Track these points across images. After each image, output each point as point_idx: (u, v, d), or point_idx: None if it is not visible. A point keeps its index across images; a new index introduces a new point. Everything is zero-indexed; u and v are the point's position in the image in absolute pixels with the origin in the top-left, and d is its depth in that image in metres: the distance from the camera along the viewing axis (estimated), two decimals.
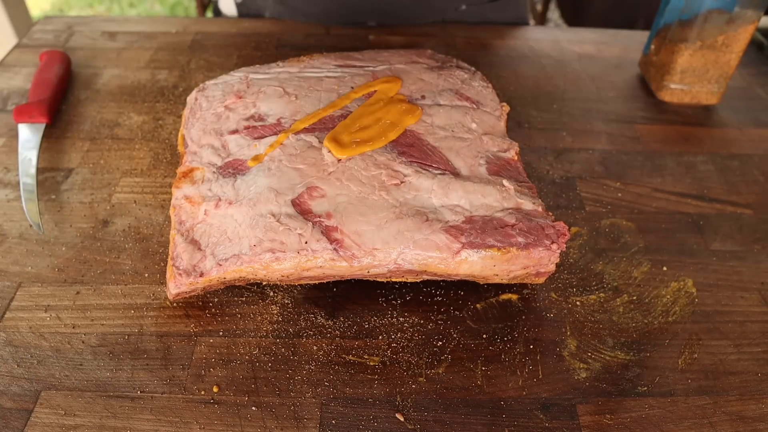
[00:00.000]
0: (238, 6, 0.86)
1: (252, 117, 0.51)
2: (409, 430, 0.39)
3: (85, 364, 0.42)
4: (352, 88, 0.55)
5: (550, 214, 0.45)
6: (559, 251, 0.43)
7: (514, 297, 0.48)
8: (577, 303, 0.48)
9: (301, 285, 0.47)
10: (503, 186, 0.46)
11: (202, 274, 0.42)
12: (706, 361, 0.44)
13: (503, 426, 0.40)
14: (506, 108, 0.54)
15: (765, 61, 0.79)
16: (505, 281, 0.45)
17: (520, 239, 0.43)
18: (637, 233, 0.54)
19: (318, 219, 0.43)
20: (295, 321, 0.45)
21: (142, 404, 0.40)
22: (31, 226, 0.51)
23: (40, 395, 0.40)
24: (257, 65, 0.59)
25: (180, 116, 0.64)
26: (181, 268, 0.43)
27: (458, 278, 0.44)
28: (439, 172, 0.47)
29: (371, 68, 0.58)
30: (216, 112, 0.53)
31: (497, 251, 0.42)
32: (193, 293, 0.44)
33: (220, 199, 0.45)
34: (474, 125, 0.52)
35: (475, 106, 0.54)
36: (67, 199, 0.54)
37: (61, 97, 0.65)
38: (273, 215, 0.43)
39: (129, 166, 0.57)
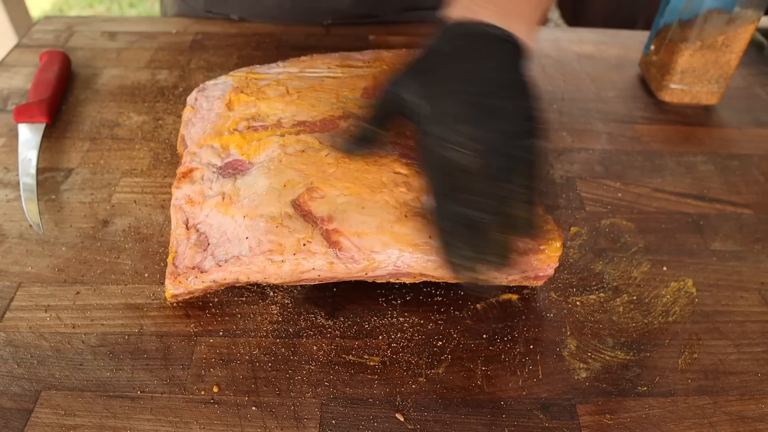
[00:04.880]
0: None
1: (252, 117, 0.51)
2: (409, 430, 0.39)
3: (85, 364, 0.42)
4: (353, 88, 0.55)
5: (549, 217, 0.45)
6: (558, 254, 0.43)
7: (514, 297, 0.48)
8: (577, 303, 0.48)
9: (301, 285, 0.47)
10: None
11: (201, 275, 0.42)
12: (706, 361, 0.44)
13: (503, 426, 0.40)
14: None
15: (765, 61, 0.79)
16: (504, 283, 0.45)
17: (519, 244, 0.42)
18: (637, 233, 0.54)
19: (318, 220, 0.43)
20: (295, 321, 0.45)
21: (142, 404, 0.40)
22: (31, 226, 0.51)
23: (40, 395, 0.40)
24: (257, 65, 0.59)
25: (180, 116, 0.64)
26: (180, 268, 0.43)
27: (458, 281, 0.44)
28: None
29: (372, 68, 0.58)
30: (216, 112, 0.53)
31: None
32: (192, 294, 0.44)
33: (219, 200, 0.45)
34: None
35: None
36: (67, 199, 0.54)
37: (61, 97, 0.65)
38: (273, 216, 0.43)
39: (129, 166, 0.57)
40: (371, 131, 0.45)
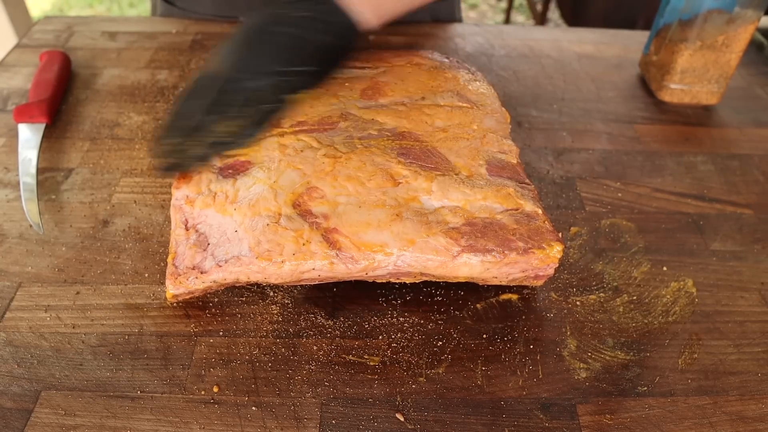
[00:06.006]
0: None
1: None
2: (409, 430, 0.39)
3: (85, 364, 0.42)
4: (352, 88, 0.55)
5: (548, 218, 0.45)
6: (558, 256, 0.43)
7: (514, 297, 0.48)
8: (577, 303, 0.48)
9: (301, 285, 0.47)
10: (503, 187, 0.46)
11: (201, 275, 0.42)
12: (706, 361, 0.44)
13: (503, 426, 0.40)
14: (507, 117, 0.54)
15: (765, 61, 0.79)
16: (504, 283, 0.45)
17: (519, 244, 0.42)
18: (637, 233, 0.54)
19: (317, 220, 0.43)
20: (295, 321, 0.45)
21: (142, 404, 0.40)
22: (31, 226, 0.51)
23: (40, 395, 0.40)
24: None
25: None
26: (180, 268, 0.43)
27: (457, 280, 0.44)
28: (438, 173, 0.47)
29: (371, 69, 0.58)
30: None
31: (497, 255, 0.42)
32: (193, 294, 0.44)
33: (219, 200, 0.45)
34: (474, 126, 0.52)
35: (475, 107, 0.54)
36: (67, 199, 0.54)
37: (61, 97, 0.65)
38: (272, 216, 0.43)
39: (129, 166, 0.57)
40: None
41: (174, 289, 0.43)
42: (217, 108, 0.47)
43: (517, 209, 0.45)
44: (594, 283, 0.49)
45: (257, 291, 0.47)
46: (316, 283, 0.46)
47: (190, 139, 0.46)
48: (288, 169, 0.46)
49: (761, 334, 0.46)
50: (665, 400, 0.42)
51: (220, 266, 0.42)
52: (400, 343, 0.44)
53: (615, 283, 0.49)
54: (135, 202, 0.54)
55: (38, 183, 0.55)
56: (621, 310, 0.47)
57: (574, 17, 1.95)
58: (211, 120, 0.46)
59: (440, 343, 0.44)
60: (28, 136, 0.58)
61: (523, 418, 0.40)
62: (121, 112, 0.64)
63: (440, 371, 0.42)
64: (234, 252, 0.42)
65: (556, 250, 0.43)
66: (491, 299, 0.47)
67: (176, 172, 0.48)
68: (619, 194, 0.58)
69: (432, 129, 0.51)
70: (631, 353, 0.44)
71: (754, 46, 0.81)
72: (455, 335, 0.45)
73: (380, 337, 0.44)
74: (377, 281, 0.45)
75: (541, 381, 0.42)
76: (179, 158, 0.47)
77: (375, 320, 0.45)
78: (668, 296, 0.49)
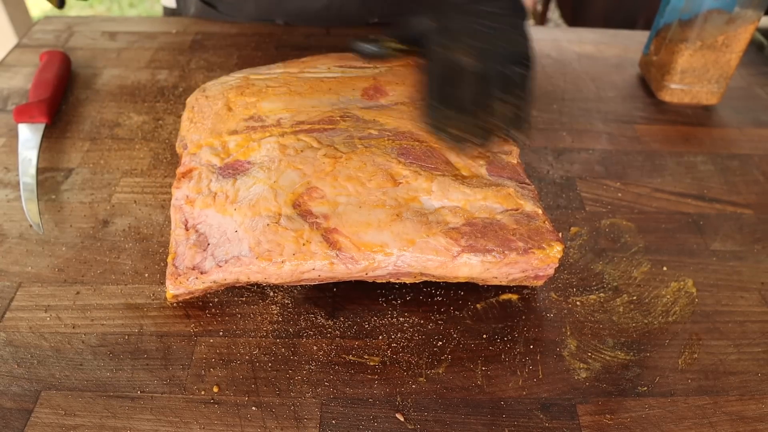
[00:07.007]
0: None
1: (252, 117, 0.51)
2: (409, 430, 0.39)
3: (85, 364, 0.42)
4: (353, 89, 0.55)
5: (548, 218, 0.45)
6: (559, 256, 0.43)
7: (514, 297, 0.48)
8: (577, 303, 0.48)
9: (301, 285, 0.47)
10: (503, 187, 0.46)
11: (201, 276, 0.42)
12: (706, 361, 0.44)
13: (503, 426, 0.40)
14: None
15: (765, 61, 0.79)
16: (504, 283, 0.45)
17: (520, 244, 0.42)
18: (637, 233, 0.54)
19: (317, 221, 0.43)
20: (295, 321, 0.45)
21: (142, 404, 0.40)
22: (31, 226, 0.51)
23: (40, 395, 0.40)
24: (258, 66, 0.59)
25: (180, 116, 0.64)
26: (180, 269, 0.43)
27: (457, 281, 0.44)
28: (438, 173, 0.47)
29: (372, 69, 0.58)
30: (216, 112, 0.53)
31: (497, 255, 0.42)
32: (193, 294, 0.44)
33: (219, 200, 0.45)
34: None
35: None
36: (67, 199, 0.54)
37: (61, 97, 0.65)
38: (272, 217, 0.43)
39: (129, 166, 0.57)
40: (386, 42, 0.53)
41: (174, 289, 0.43)
42: (483, 95, 0.46)
43: (517, 209, 0.45)
44: (594, 283, 0.49)
45: (257, 291, 0.47)
46: (316, 283, 0.46)
47: (471, 115, 0.46)
48: (288, 169, 0.46)
49: (761, 334, 0.46)
50: (665, 400, 0.42)
51: (220, 266, 0.42)
52: (400, 343, 0.44)
53: (615, 283, 0.49)
54: (135, 202, 0.54)
55: (38, 183, 0.55)
56: (621, 310, 0.47)
57: (574, 17, 1.95)
58: (485, 100, 0.46)
59: (440, 343, 0.44)
60: (28, 136, 0.58)
61: (523, 418, 0.40)
62: (121, 112, 0.64)
63: (440, 371, 0.42)
64: (234, 252, 0.42)
65: (556, 250, 0.43)
66: (491, 299, 0.47)
67: (460, 144, 0.47)
68: (619, 194, 0.58)
69: None
70: (631, 353, 0.44)
71: (754, 46, 0.81)
72: (455, 335, 0.45)
73: (380, 337, 0.44)
74: (377, 281, 0.45)
75: (541, 381, 0.42)
76: (460, 131, 0.46)
77: (375, 320, 0.45)
78: (668, 296, 0.49)
